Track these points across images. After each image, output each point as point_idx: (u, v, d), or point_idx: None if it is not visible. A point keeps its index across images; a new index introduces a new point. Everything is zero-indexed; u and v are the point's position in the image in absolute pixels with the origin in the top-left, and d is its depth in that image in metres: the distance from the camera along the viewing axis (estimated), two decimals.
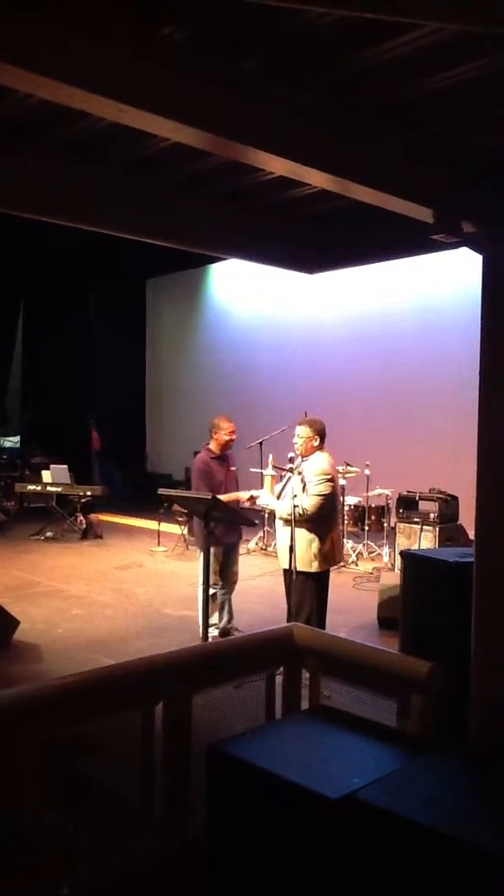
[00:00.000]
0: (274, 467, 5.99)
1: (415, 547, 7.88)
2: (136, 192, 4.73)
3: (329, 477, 5.27)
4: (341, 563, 8.11)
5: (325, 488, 5.22)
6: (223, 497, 5.61)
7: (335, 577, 7.96)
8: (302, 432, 5.41)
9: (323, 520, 5.28)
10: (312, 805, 2.25)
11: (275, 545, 7.02)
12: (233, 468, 6.23)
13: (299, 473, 5.24)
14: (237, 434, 6.25)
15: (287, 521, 5.22)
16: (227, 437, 6.10)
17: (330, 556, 5.36)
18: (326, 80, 3.18)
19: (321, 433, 5.44)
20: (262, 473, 5.79)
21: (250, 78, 3.02)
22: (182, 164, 4.52)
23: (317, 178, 3.48)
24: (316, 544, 5.23)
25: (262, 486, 5.84)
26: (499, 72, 3.06)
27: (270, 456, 5.95)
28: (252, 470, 6.00)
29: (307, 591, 5.27)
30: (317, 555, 5.24)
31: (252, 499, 5.82)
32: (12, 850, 2.54)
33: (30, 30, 2.39)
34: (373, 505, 9.67)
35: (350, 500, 9.55)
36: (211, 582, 5.54)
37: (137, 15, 2.65)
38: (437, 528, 8.19)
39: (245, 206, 5.20)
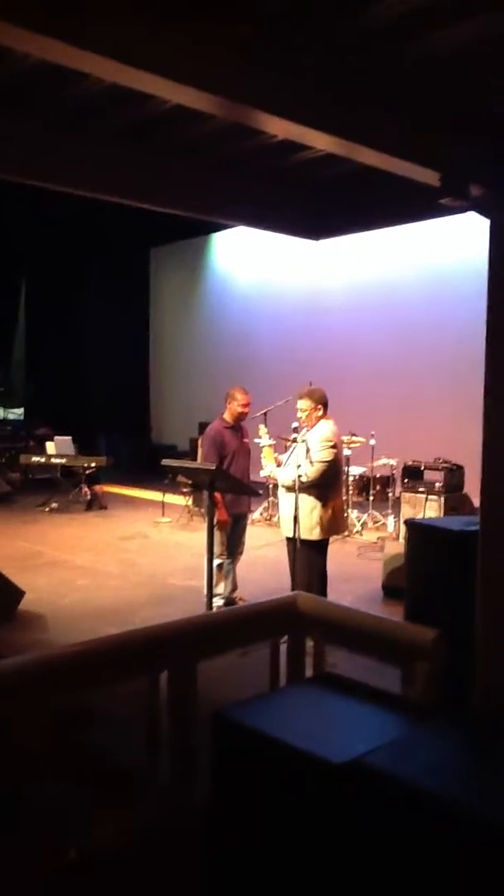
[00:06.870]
0: (278, 437, 5.96)
1: (420, 516, 7.88)
2: (137, 157, 4.66)
3: (332, 444, 5.27)
4: (345, 533, 8.13)
5: (327, 454, 5.22)
6: None
7: (340, 547, 7.99)
8: (304, 405, 5.39)
9: (325, 487, 5.28)
10: (316, 770, 2.25)
11: (279, 515, 7.03)
12: (246, 440, 6.20)
13: (303, 442, 5.24)
14: (250, 407, 6.19)
15: (290, 489, 5.22)
16: (239, 409, 6.07)
17: (332, 524, 5.36)
18: (330, 41, 3.09)
19: (322, 402, 5.41)
20: (259, 444, 5.76)
21: (252, 38, 2.94)
22: (183, 128, 4.44)
23: (321, 141, 3.40)
24: (318, 511, 5.24)
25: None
26: None
27: (261, 427, 5.93)
28: (256, 440, 5.98)
29: (307, 560, 5.28)
30: (318, 523, 5.24)
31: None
32: (19, 816, 2.57)
33: None
34: (378, 475, 9.65)
35: (355, 470, 9.53)
36: (217, 553, 5.55)
37: None
38: (443, 498, 8.19)
39: (249, 171, 5.12)
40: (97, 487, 11.28)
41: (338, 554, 5.57)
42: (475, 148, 3.66)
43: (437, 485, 8.32)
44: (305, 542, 5.24)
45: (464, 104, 3.58)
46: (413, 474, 8.66)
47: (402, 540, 6.94)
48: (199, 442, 6.40)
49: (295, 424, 5.36)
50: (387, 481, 9.68)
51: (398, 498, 9.06)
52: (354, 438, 9.21)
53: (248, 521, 6.76)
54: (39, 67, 3.58)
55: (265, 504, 9.94)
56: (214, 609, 5.34)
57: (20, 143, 4.30)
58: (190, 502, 10.11)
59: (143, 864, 2.67)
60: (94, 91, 3.91)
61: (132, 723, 3.00)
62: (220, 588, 6.03)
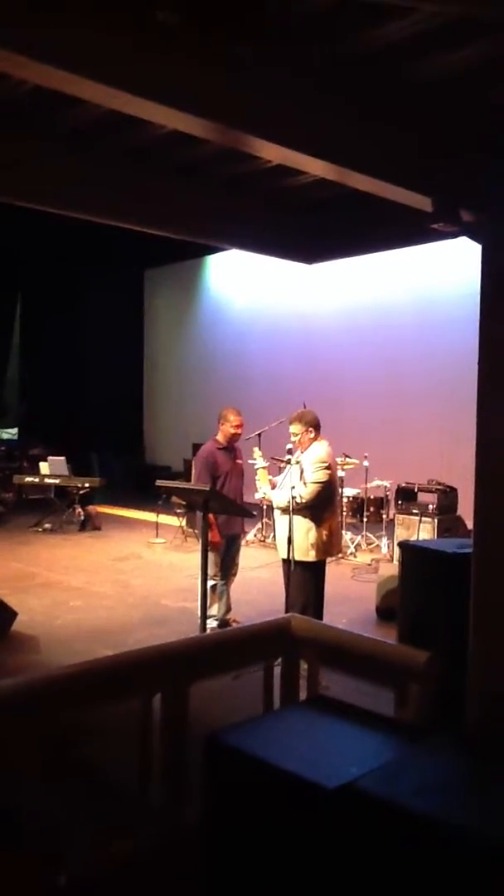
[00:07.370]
0: (272, 458, 5.97)
1: (414, 538, 7.88)
2: (133, 180, 4.70)
3: (326, 465, 5.28)
4: (339, 555, 8.12)
5: (322, 476, 5.23)
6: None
7: (334, 569, 7.97)
8: (295, 429, 5.42)
9: (321, 508, 5.28)
10: (310, 795, 2.24)
11: (273, 536, 7.02)
12: (239, 461, 6.20)
13: (297, 463, 5.25)
14: (243, 428, 6.19)
15: (285, 511, 5.22)
16: (232, 431, 6.07)
17: (328, 546, 5.36)
18: (323, 67, 3.14)
19: (314, 424, 5.44)
20: (254, 466, 5.78)
21: (246, 64, 2.98)
22: (179, 152, 4.49)
23: (315, 167, 3.45)
24: (313, 533, 5.23)
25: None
26: (498, 57, 3.03)
27: (255, 449, 5.95)
28: (250, 461, 6.00)
29: (304, 582, 5.27)
30: (314, 544, 5.24)
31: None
32: (10, 839, 2.54)
33: (27, 16, 2.36)
34: (371, 496, 9.65)
35: (349, 491, 9.54)
36: (210, 574, 5.53)
37: (132, 0, 2.62)
38: (436, 520, 8.18)
39: (243, 194, 5.17)
40: (91, 508, 11.25)
41: (332, 576, 5.57)
42: (467, 173, 3.70)
43: (431, 506, 8.32)
44: (301, 564, 5.23)
45: (455, 129, 3.63)
46: (407, 496, 8.66)
47: (396, 562, 6.93)
48: (193, 463, 6.40)
49: (289, 446, 5.38)
50: (380, 503, 9.68)
51: (392, 519, 9.05)
52: (348, 460, 9.22)
53: (243, 543, 6.74)
54: (36, 92, 3.63)
55: (259, 525, 9.93)
56: (208, 631, 5.32)
57: (16, 165, 4.33)
58: (184, 523, 10.09)
59: (136, 885, 2.64)
60: (91, 115, 3.96)
61: (125, 743, 2.98)
62: (214, 609, 6.01)
